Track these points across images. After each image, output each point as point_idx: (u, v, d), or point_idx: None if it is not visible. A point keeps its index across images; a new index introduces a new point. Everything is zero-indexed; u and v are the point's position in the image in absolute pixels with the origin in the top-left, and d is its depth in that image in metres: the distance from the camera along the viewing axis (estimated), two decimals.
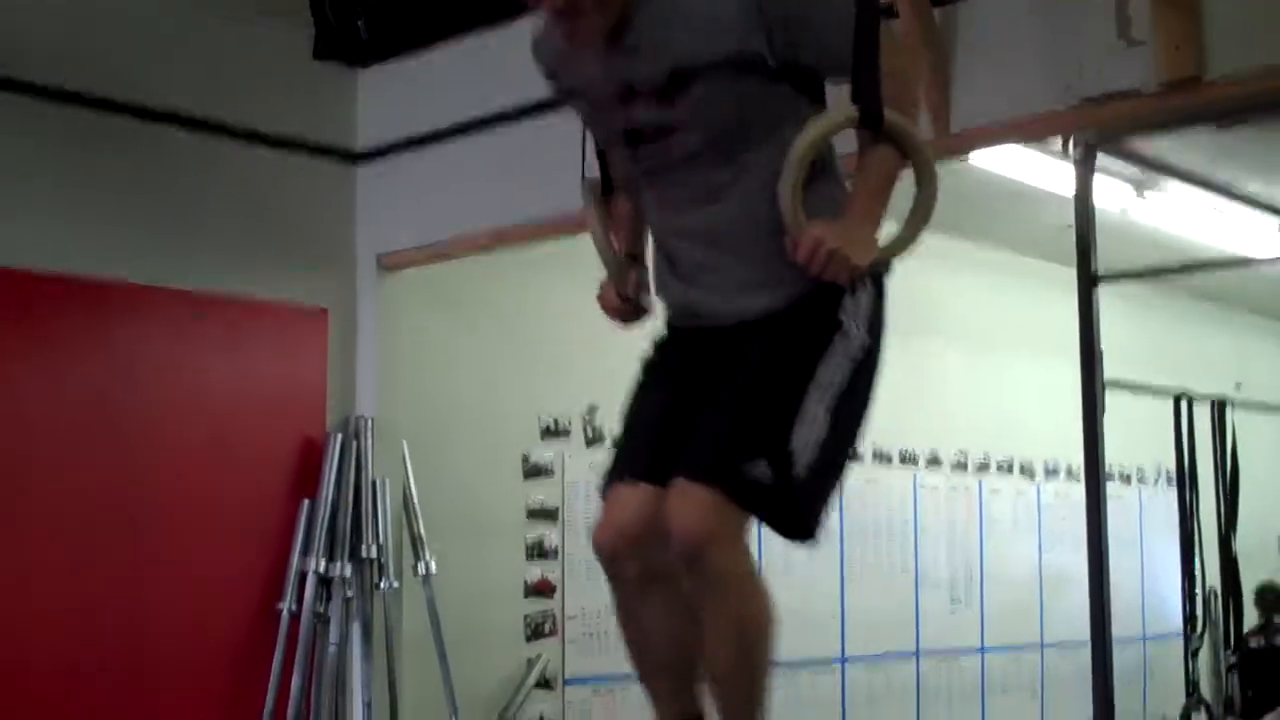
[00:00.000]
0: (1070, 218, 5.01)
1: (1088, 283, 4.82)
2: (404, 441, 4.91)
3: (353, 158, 4.96)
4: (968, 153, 4.15)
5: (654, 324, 2.70)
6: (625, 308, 2.70)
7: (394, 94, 4.91)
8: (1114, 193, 6.15)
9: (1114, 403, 4.90)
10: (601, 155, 2.75)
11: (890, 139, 2.33)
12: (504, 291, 5.38)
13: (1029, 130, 3.67)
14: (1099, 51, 3.24)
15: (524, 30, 4.49)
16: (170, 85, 4.53)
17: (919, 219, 2.41)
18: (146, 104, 4.46)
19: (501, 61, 4.53)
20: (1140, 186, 6.24)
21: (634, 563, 2.42)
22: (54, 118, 4.28)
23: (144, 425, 4.41)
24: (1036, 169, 5.96)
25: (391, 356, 4.98)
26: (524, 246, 4.73)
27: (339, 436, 4.79)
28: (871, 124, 2.31)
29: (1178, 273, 6.72)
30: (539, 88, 4.30)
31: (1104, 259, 4.92)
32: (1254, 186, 6.19)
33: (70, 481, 4.23)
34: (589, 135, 2.74)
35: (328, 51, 4.91)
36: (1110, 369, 4.85)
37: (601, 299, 2.73)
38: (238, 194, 4.69)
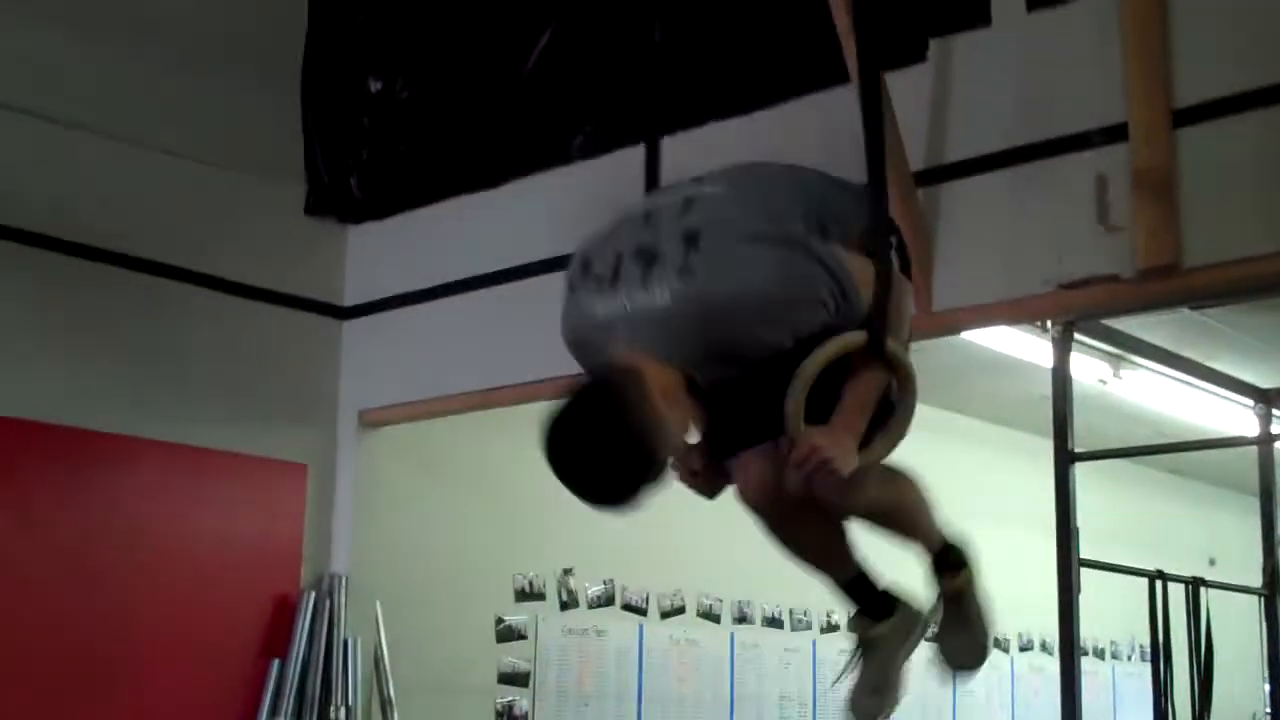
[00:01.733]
0: (1047, 387, 5.05)
1: (1065, 460, 4.82)
2: (377, 601, 4.86)
3: (340, 313, 4.99)
4: (947, 334, 4.17)
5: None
6: (699, 480, 3.01)
7: (383, 252, 4.94)
8: (1092, 368, 6.22)
9: (1088, 575, 4.88)
10: None
11: (885, 362, 2.75)
12: (482, 451, 5.37)
13: (1009, 313, 3.67)
14: (1078, 236, 3.25)
15: (510, 195, 4.58)
16: (160, 235, 4.55)
17: (897, 433, 2.81)
18: (135, 253, 4.48)
19: (489, 224, 4.58)
20: (1117, 363, 6.32)
21: (777, 503, 2.88)
22: (41, 266, 4.28)
23: (119, 578, 4.35)
24: (1014, 341, 6.02)
25: (368, 514, 4.94)
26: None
27: (312, 594, 4.74)
28: (876, 353, 2.73)
29: (1154, 452, 6.76)
30: (524, 251, 4.41)
31: (1081, 432, 4.94)
32: (1227, 365, 6.27)
33: (43, 631, 4.16)
34: None
35: (320, 207, 4.96)
36: (1086, 541, 4.83)
37: (679, 478, 3.00)
38: (224, 346, 4.69)
